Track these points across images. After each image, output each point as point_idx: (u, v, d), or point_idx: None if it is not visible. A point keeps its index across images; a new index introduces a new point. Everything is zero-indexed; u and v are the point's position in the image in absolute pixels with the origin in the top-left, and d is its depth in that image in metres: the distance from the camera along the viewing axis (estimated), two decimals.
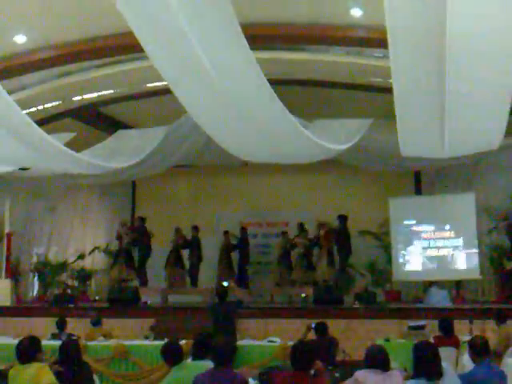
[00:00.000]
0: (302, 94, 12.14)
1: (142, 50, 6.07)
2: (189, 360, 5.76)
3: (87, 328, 10.01)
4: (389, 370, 5.04)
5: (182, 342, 7.89)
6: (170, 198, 17.10)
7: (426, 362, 4.83)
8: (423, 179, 15.52)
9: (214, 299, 10.17)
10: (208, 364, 5.11)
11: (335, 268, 13.77)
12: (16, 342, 5.51)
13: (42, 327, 10.79)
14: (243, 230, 15.80)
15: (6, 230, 13.39)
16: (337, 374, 5.71)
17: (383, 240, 14.21)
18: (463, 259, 12.76)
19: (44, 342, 8.76)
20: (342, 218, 14.13)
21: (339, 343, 8.14)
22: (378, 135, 11.02)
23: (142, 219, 15.11)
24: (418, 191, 15.53)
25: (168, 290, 14.52)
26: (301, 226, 14.89)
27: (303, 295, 12.96)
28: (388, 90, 7.38)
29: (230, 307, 9.23)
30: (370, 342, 8.09)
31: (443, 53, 5.52)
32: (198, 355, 5.56)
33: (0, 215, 13.57)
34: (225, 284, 9.63)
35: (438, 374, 4.79)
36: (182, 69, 6.42)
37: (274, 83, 6.91)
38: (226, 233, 15.66)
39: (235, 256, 15.74)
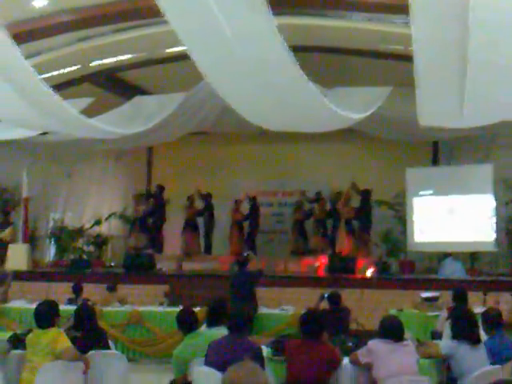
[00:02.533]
0: (321, 61, 11.98)
1: (161, 15, 5.99)
2: (203, 327, 5.79)
3: (103, 293, 10.10)
4: (402, 340, 5.06)
5: (197, 310, 7.95)
6: (186, 164, 17.09)
7: (465, 327, 4.99)
8: (441, 149, 15.36)
9: (233, 268, 10.22)
10: (222, 331, 5.13)
11: (354, 238, 13.81)
12: (33, 306, 5.56)
13: (59, 292, 10.93)
14: (253, 199, 15.72)
15: (24, 195, 13.46)
16: (350, 344, 5.71)
17: (398, 210, 14.14)
18: (479, 231, 12.66)
19: (60, 307, 8.97)
20: (366, 193, 14.10)
21: (352, 313, 8.15)
22: (396, 104, 10.89)
23: (161, 188, 15.16)
24: (436, 162, 15.39)
25: (183, 256, 14.61)
26: (317, 195, 14.88)
27: (317, 264, 12.98)
28: (408, 58, 7.26)
29: (252, 276, 9.24)
30: (383, 312, 8.11)
31: (466, 20, 5.40)
32: (212, 322, 5.58)
33: (18, 180, 13.64)
34: (245, 254, 9.66)
35: (477, 339, 4.93)
36: (201, 34, 6.35)
37: (294, 50, 6.81)
38: (236, 202, 15.60)
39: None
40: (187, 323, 5.40)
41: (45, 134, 12.05)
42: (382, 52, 11.50)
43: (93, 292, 10.40)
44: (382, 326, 5.12)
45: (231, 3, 5.58)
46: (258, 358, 4.77)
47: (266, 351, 5.49)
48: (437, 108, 8.51)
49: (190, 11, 5.86)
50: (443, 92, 7.66)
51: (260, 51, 6.63)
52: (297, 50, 7.91)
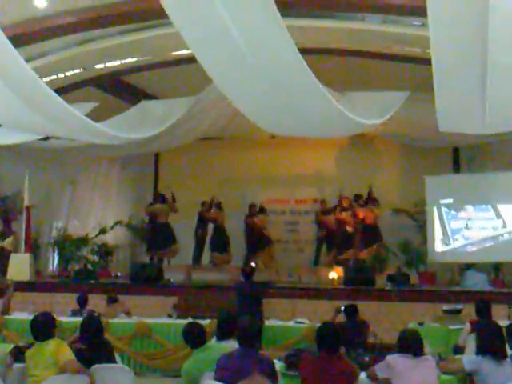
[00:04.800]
0: (334, 65, 12.02)
1: (167, 16, 6.05)
2: (213, 340, 5.84)
3: (106, 305, 10.18)
4: (422, 356, 5.07)
5: (206, 322, 8.01)
6: (194, 171, 17.16)
7: (491, 341, 4.99)
8: (462, 156, 15.36)
9: (239, 279, 10.27)
10: (232, 345, 5.17)
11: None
12: None
13: (63, 303, 11.02)
14: (261, 208, 15.80)
15: (26, 203, 13.53)
16: (367, 358, 5.75)
17: (418, 219, 14.15)
18: (503, 241, 12.63)
19: (64, 319, 9.07)
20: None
21: (370, 326, 8.18)
22: (414, 109, 10.91)
23: (173, 197, 15.30)
24: (456, 169, 15.38)
25: (192, 267, 14.69)
26: (339, 201, 15.00)
27: (332, 276, 13.01)
28: (426, 61, 7.30)
29: (258, 287, 9.29)
30: (402, 325, 8.13)
31: (485, 21, 5.43)
32: (222, 335, 5.61)
33: (19, 188, 13.71)
34: (253, 264, 9.70)
35: (504, 354, 4.93)
36: (208, 37, 6.39)
37: (305, 53, 6.86)
38: (251, 207, 15.65)
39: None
40: (194, 339, 5.42)
41: (47, 138, 12.16)
42: (399, 55, 11.51)
43: (98, 303, 10.46)
44: (401, 339, 5.14)
45: (240, 6, 5.63)
46: (271, 372, 4.81)
47: (279, 365, 5.53)
48: (457, 113, 8.52)
49: (197, 15, 5.90)
50: (464, 96, 7.66)
51: (270, 54, 6.66)
52: (308, 52, 7.99)
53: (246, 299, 8.92)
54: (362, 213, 14.62)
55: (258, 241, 15.42)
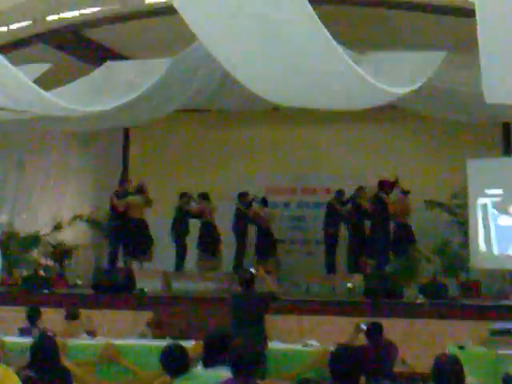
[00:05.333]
0: (352, 17, 12.01)
1: None
2: (198, 367, 5.84)
3: (64, 322, 10.19)
4: None
5: (189, 344, 8.01)
6: (173, 152, 17.16)
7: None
8: None
9: (231, 288, 10.28)
10: (223, 373, 5.18)
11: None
12: None
13: (8, 319, 11.01)
14: (263, 200, 15.84)
15: None
16: None
17: (458, 215, 14.19)
18: None
19: (9, 339, 9.06)
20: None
21: (398, 350, 8.20)
22: (453, 73, 10.92)
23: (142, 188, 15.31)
24: (508, 150, 15.39)
25: (172, 274, 14.71)
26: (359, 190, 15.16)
27: (350, 285, 13.05)
28: (469, 13, 7.28)
29: (260, 300, 9.25)
30: (438, 349, 8.14)
31: None
32: (210, 361, 5.63)
33: None
34: (252, 271, 9.59)
35: None
36: None
37: (317, 2, 6.85)
38: (241, 196, 15.67)
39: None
40: (174, 364, 5.43)
41: None
42: (433, 4, 11.50)
43: (53, 319, 10.46)
44: (436, 368, 5.14)
45: None
46: None
47: None
48: (508, 80, 8.52)
49: None
50: None
51: (271, 2, 6.65)
52: (321, 1, 7.96)
53: (245, 315, 8.87)
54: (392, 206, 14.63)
55: (262, 241, 15.49)
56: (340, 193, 15.50)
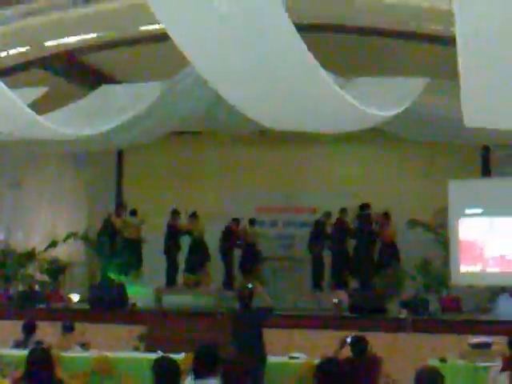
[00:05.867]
0: (338, 44, 12.07)
1: None
2: (188, 379, 5.85)
3: (60, 335, 10.16)
4: None
5: (180, 356, 8.02)
6: (165, 172, 17.17)
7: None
8: (493, 157, 15.43)
9: (222, 305, 10.23)
10: None
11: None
12: None
13: (4, 332, 10.97)
14: (251, 221, 16.04)
15: None
16: None
17: (439, 234, 14.22)
18: None
19: (5, 352, 9.03)
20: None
21: (382, 364, 8.22)
22: (435, 99, 10.98)
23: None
24: (487, 172, 15.46)
25: (163, 289, 14.70)
26: (343, 212, 15.20)
27: (335, 300, 13.06)
28: (449, 41, 7.34)
29: (259, 315, 9.22)
30: (420, 362, 8.17)
31: None
32: (200, 373, 5.61)
33: None
34: (250, 286, 9.51)
35: None
36: (184, 8, 6.39)
37: (303, 30, 6.89)
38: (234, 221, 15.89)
39: None
40: (165, 376, 5.41)
41: None
42: (415, 32, 11.56)
43: (47, 332, 10.43)
44: (418, 381, 5.16)
45: None
46: None
47: None
48: (487, 105, 8.56)
49: None
50: (496, 85, 7.71)
51: (260, 29, 6.67)
52: (306, 29, 7.99)
53: (245, 330, 8.82)
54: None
55: (247, 258, 15.62)
56: (327, 214, 15.60)
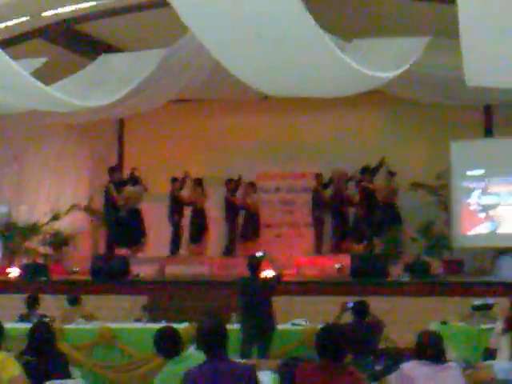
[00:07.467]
0: (338, 6, 11.94)
1: None
2: (191, 349, 5.80)
3: (64, 307, 10.14)
4: (444, 362, 5.05)
5: (183, 326, 7.98)
6: (166, 141, 17.09)
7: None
8: (495, 117, 15.32)
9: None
10: None
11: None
12: None
13: (8, 306, 10.97)
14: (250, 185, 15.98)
15: None
16: (378, 367, 5.73)
17: (441, 195, 14.18)
18: None
19: (10, 325, 9.01)
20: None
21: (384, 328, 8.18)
22: (436, 58, 10.87)
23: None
24: (489, 132, 15.35)
25: (166, 257, 14.69)
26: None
27: (337, 266, 13.04)
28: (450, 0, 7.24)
29: (269, 283, 9.20)
30: (421, 325, 8.13)
31: None
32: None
33: None
34: (258, 254, 9.42)
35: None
36: None
37: None
38: (227, 182, 15.79)
39: None
40: (168, 346, 5.37)
41: None
42: None
43: (51, 306, 10.44)
44: (419, 343, 5.12)
45: None
46: None
47: (270, 378, 5.50)
48: (488, 64, 8.48)
49: None
50: (497, 42, 7.62)
51: None
52: None
53: (254, 298, 8.79)
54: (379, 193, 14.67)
55: (248, 226, 15.59)
56: (318, 176, 15.60)
